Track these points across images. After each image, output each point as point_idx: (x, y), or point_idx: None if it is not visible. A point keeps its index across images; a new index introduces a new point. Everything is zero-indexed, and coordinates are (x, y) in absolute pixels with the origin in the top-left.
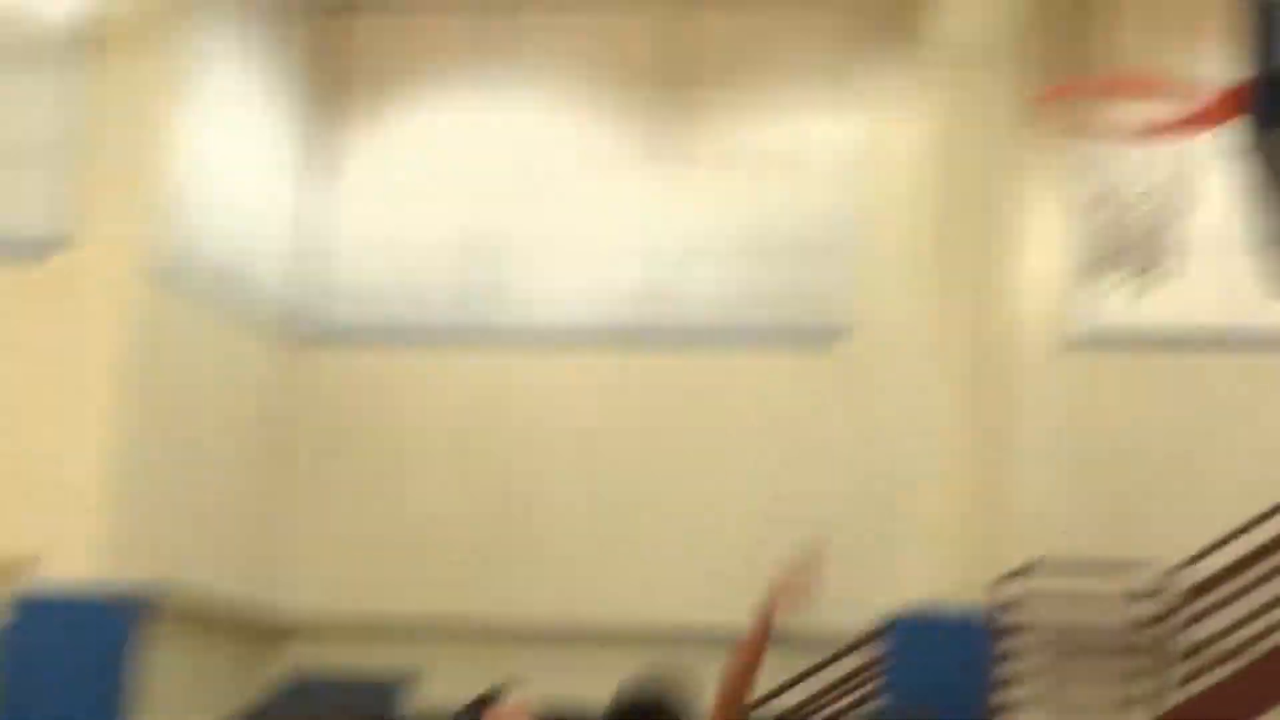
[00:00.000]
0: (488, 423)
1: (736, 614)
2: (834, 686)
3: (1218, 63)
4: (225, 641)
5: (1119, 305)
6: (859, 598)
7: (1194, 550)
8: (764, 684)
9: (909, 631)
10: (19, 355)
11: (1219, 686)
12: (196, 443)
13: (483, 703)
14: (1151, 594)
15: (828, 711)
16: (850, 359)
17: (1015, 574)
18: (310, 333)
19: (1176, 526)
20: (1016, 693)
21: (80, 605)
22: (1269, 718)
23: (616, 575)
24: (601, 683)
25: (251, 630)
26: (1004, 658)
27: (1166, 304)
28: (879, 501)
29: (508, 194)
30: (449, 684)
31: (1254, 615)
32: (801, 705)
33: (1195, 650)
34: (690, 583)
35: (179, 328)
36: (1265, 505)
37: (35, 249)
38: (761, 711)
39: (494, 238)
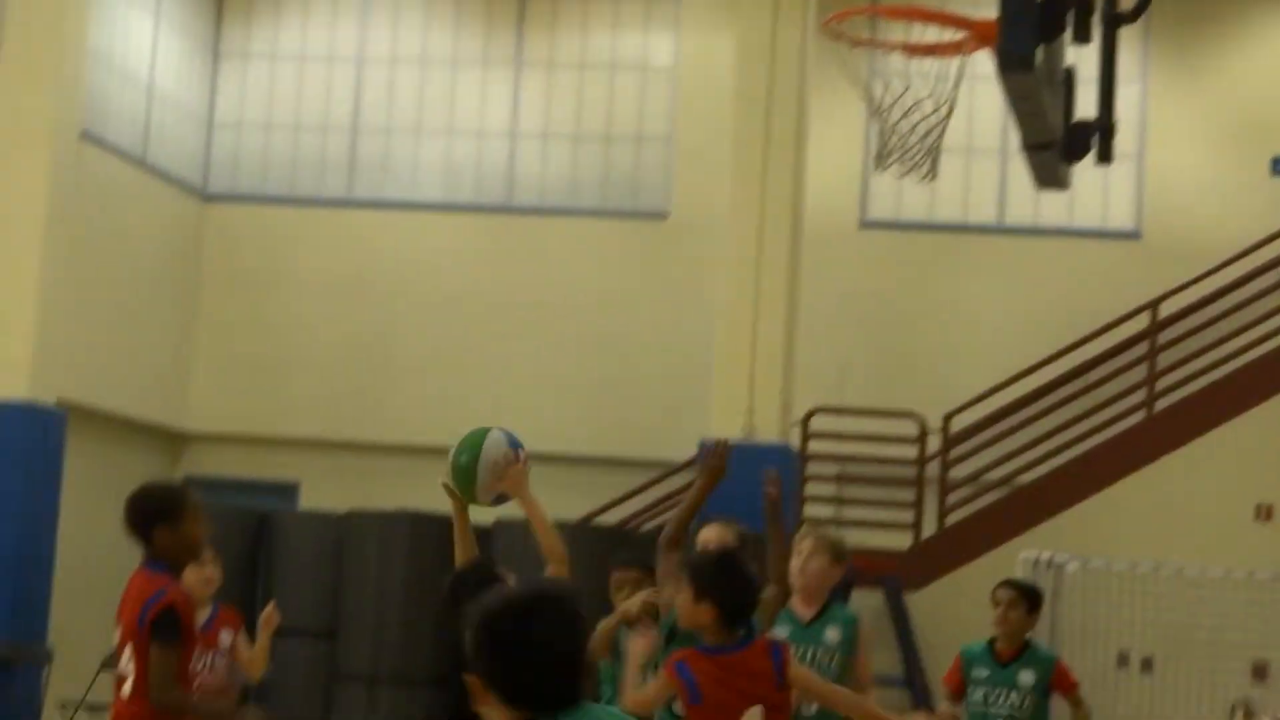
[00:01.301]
0: (363, 273)
1: (568, 439)
2: (656, 504)
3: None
4: (134, 449)
5: (901, 195)
6: (679, 432)
7: (957, 401)
8: (596, 501)
9: (738, 457)
10: None
11: (974, 516)
12: (115, 281)
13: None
14: (921, 437)
15: (650, 525)
16: (672, 232)
17: (811, 414)
18: (216, 191)
19: (943, 381)
20: (810, 513)
21: (10, 416)
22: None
23: (470, 403)
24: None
25: (157, 439)
26: (799, 483)
27: (941, 195)
28: (696, 352)
29: (386, 83)
30: (326, 491)
31: (1006, 458)
32: (628, 519)
33: (957, 486)
34: (532, 413)
35: (102, 181)
36: (1018, 365)
37: None
38: (592, 523)
39: (373, 118)
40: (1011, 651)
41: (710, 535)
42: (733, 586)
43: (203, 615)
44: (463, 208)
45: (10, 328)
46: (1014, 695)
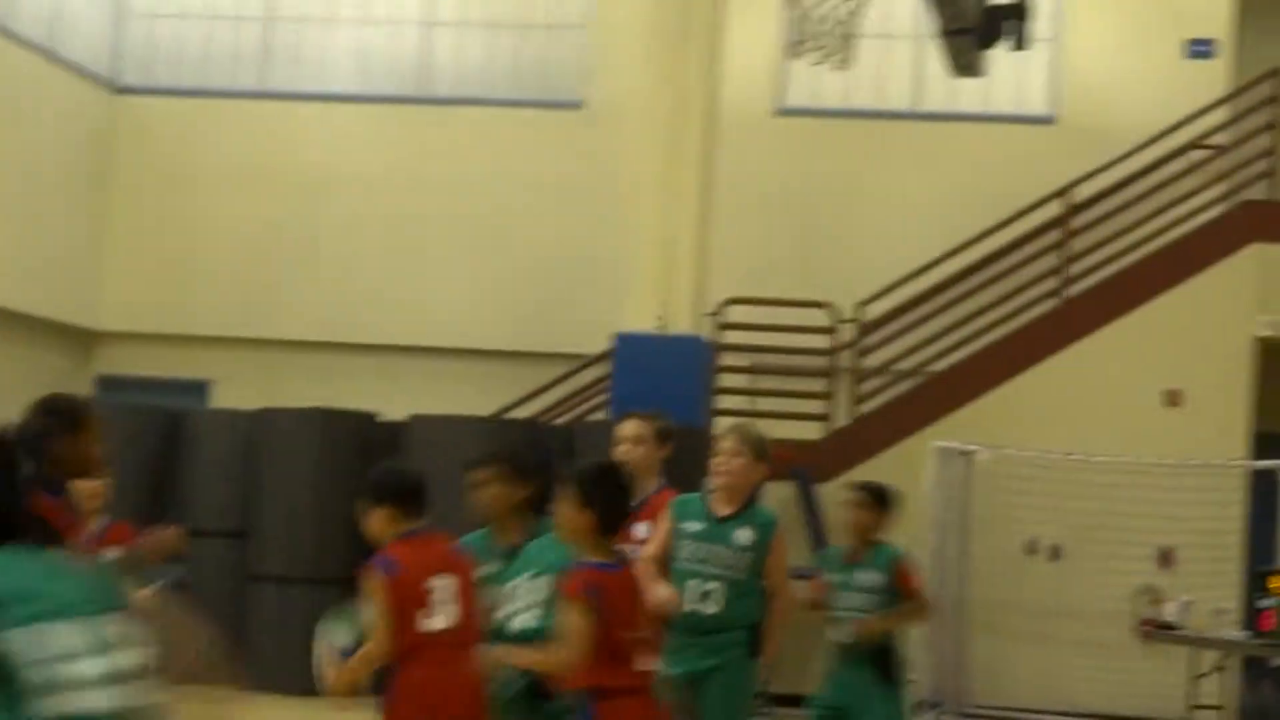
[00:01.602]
0: (274, 167)
1: (482, 333)
2: (570, 398)
3: None
4: (46, 348)
5: (818, 82)
6: (594, 324)
7: (873, 290)
8: (510, 395)
9: (632, 349)
10: None
11: (886, 406)
12: (24, 176)
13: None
14: (834, 326)
15: (566, 417)
16: (587, 122)
17: (724, 305)
18: (127, 83)
19: (858, 269)
20: (722, 403)
21: None
22: (927, 431)
23: (379, 298)
24: (362, 388)
25: (68, 338)
26: (713, 374)
27: (857, 82)
28: (611, 243)
29: None
30: (239, 389)
31: (918, 347)
32: (544, 411)
33: (869, 375)
34: (445, 307)
35: (10, 74)
36: (932, 253)
37: None
38: (506, 417)
39: (286, 8)
40: (859, 553)
41: (628, 430)
42: (613, 497)
43: (91, 529)
44: (377, 98)
45: None
46: (859, 597)
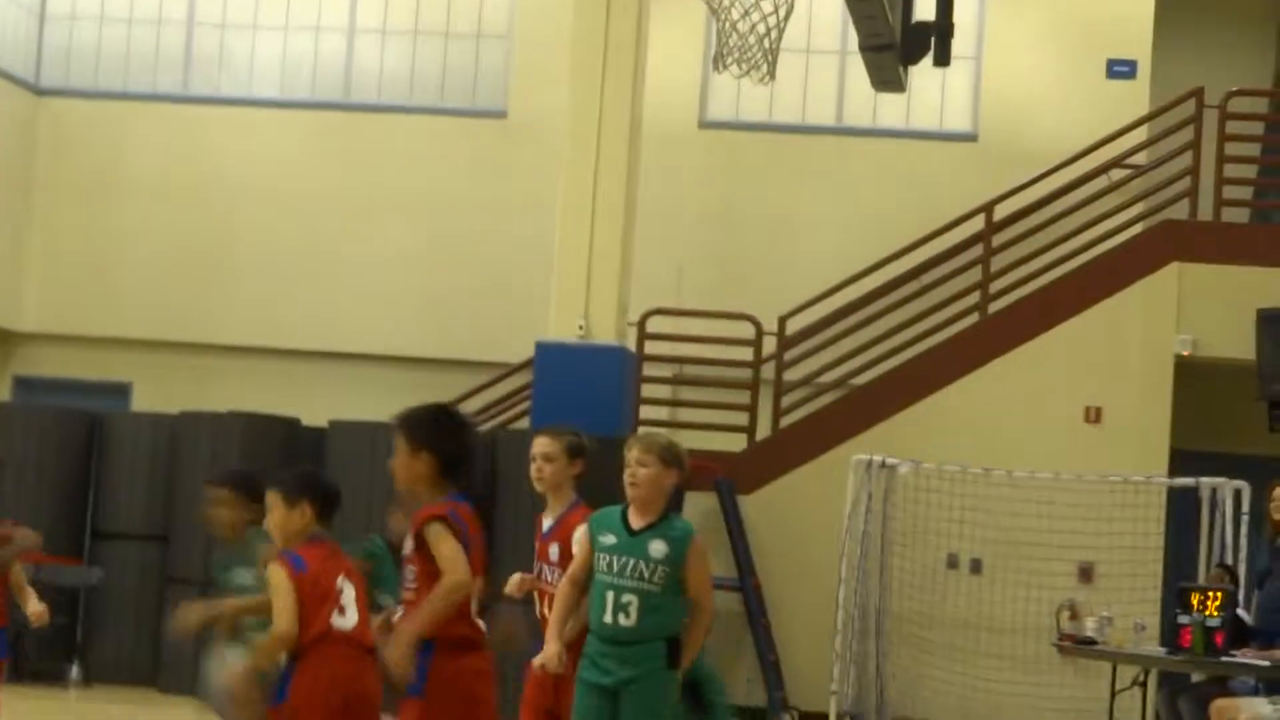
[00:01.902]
0: (197, 172)
1: (405, 340)
2: (493, 405)
3: None
4: None
5: (740, 96)
6: (517, 333)
7: (795, 304)
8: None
9: (553, 359)
10: None
11: (808, 419)
12: None
13: None
14: (757, 339)
15: (489, 425)
16: (510, 132)
17: (647, 316)
18: (49, 86)
19: (780, 283)
20: (645, 415)
21: None
22: (849, 444)
23: (304, 304)
24: (283, 394)
25: None
26: (636, 384)
27: (780, 96)
28: (534, 253)
29: None
30: (159, 392)
31: (840, 360)
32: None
33: (792, 388)
34: (369, 314)
35: None
36: (854, 268)
37: None
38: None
39: (209, 12)
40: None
41: (538, 447)
42: (451, 435)
43: None
44: (299, 104)
45: None
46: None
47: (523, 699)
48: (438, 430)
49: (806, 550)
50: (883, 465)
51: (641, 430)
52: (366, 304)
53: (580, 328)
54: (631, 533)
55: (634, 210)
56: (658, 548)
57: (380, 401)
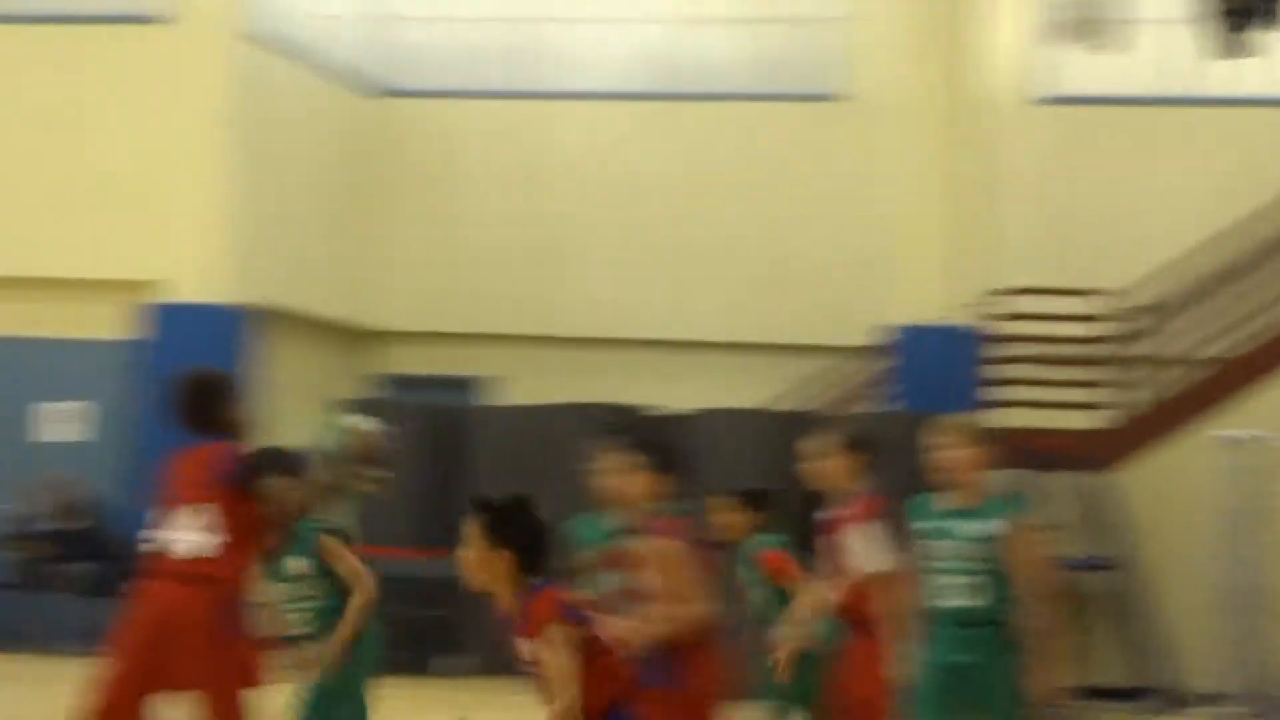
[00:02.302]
0: (538, 165)
1: (744, 326)
2: (833, 390)
3: None
4: (323, 348)
5: (1077, 68)
6: (855, 317)
7: (1137, 276)
8: (773, 388)
9: (907, 341)
10: (141, 111)
11: (1167, 393)
12: (291, 181)
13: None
14: (1109, 314)
15: (837, 411)
16: (847, 114)
17: (996, 294)
18: (384, 88)
19: (1127, 256)
20: (1002, 394)
21: (205, 317)
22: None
23: (645, 294)
24: (635, 384)
25: (344, 338)
26: (990, 365)
27: (1117, 67)
28: (873, 235)
29: None
30: (522, 385)
31: (1197, 336)
32: (808, 408)
33: (1148, 362)
34: (708, 301)
35: (273, 82)
36: (1199, 238)
37: (145, 18)
38: (770, 410)
39: (543, 9)
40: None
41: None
42: (529, 530)
43: None
44: (636, 95)
45: (199, 232)
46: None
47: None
48: (516, 524)
49: (1175, 527)
50: (1249, 439)
51: (946, 416)
52: (704, 292)
53: (925, 310)
54: (949, 514)
55: (977, 188)
56: (978, 527)
57: (723, 389)
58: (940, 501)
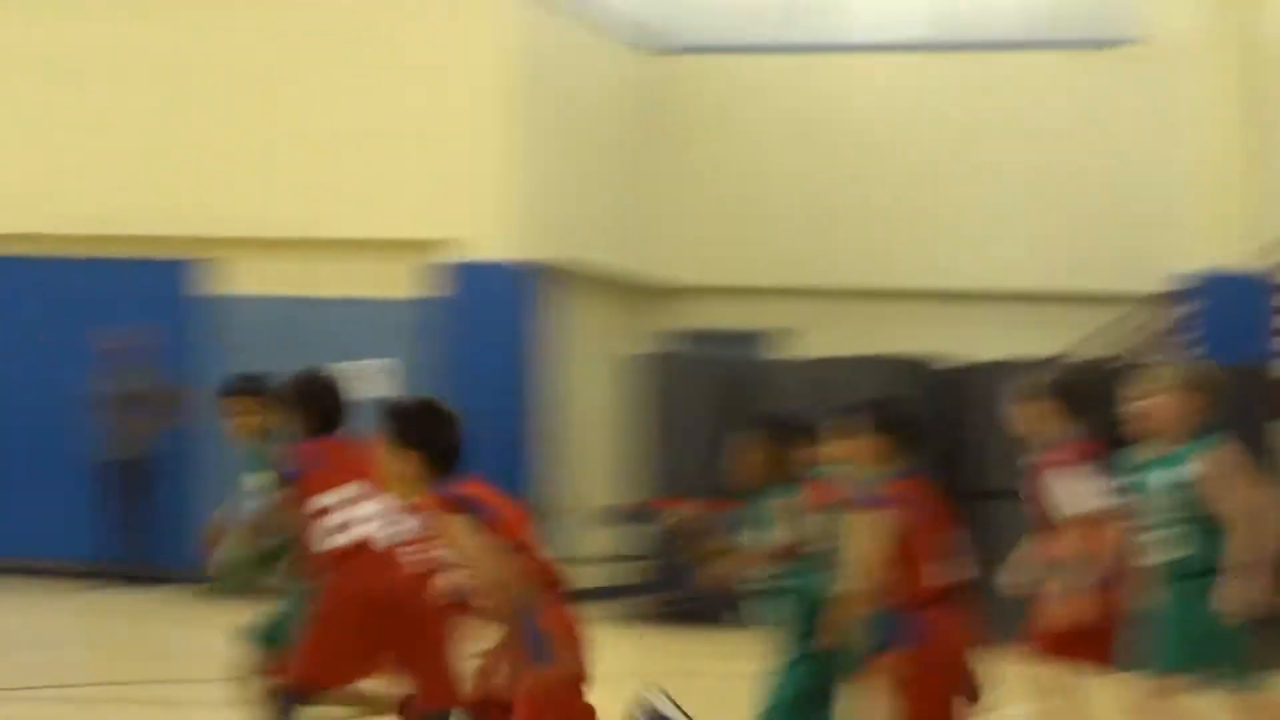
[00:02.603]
0: (829, 119)
1: (1036, 275)
2: (1124, 339)
3: None
4: (612, 304)
5: None
6: (1146, 265)
7: None
8: (1064, 338)
9: (1210, 289)
10: (432, 74)
11: None
12: (578, 139)
13: None
14: None
15: (1128, 361)
16: (1141, 59)
17: None
18: (666, 44)
19: None
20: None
21: (499, 275)
22: None
23: (936, 245)
24: (925, 334)
25: (633, 294)
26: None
27: None
28: (1163, 182)
29: None
30: (814, 338)
31: None
32: (1100, 358)
33: None
34: (999, 251)
35: (558, 41)
36: None
37: None
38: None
39: None
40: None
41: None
42: (438, 430)
43: None
44: (922, 47)
45: (490, 191)
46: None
47: None
48: (424, 425)
49: None
50: None
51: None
52: (995, 241)
53: (1219, 257)
54: (1151, 464)
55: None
56: (1176, 473)
57: (1014, 339)
58: (1143, 452)
